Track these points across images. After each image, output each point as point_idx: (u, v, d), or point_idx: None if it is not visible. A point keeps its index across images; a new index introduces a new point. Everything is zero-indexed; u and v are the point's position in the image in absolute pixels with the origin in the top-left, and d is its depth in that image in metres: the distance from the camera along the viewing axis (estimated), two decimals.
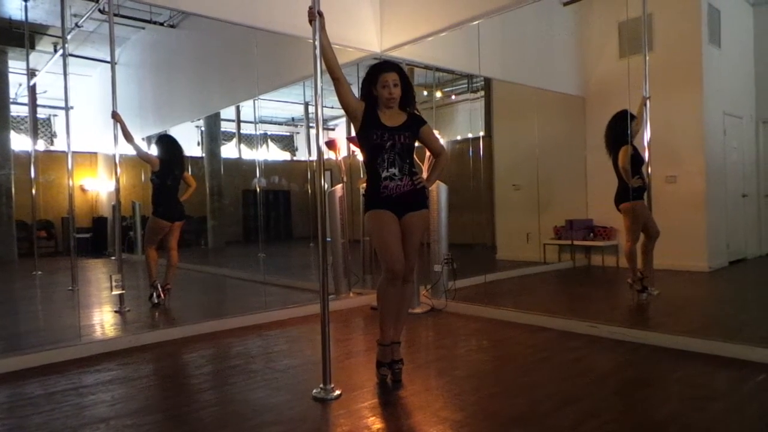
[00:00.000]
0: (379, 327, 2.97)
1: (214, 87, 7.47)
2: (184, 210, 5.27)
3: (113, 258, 6.06)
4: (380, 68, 2.94)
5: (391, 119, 2.93)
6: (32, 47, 7.02)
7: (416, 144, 3.03)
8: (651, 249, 4.74)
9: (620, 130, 4.71)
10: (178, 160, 5.23)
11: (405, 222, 2.93)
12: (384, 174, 2.87)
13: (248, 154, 10.93)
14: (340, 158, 5.43)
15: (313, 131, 2.96)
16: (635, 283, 4.74)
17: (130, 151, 4.98)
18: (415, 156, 3.04)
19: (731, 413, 2.45)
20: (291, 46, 5.26)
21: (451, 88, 9.30)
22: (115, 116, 4.46)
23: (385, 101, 2.90)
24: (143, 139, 7.24)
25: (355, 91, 3.03)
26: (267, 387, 2.92)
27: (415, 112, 3.03)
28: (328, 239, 5.23)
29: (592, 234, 6.40)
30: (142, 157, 5.14)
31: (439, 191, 4.90)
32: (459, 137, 9.36)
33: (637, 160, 4.70)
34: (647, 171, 4.83)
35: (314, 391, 2.75)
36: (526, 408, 2.54)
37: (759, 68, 6.59)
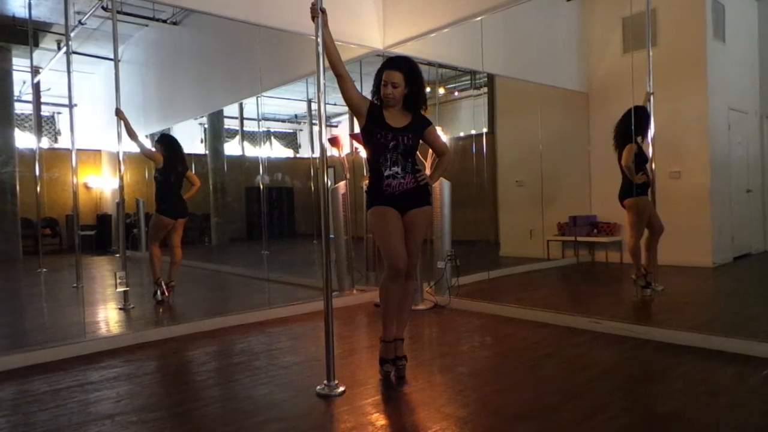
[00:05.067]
0: (381, 324, 2.98)
1: (217, 84, 7.47)
2: (187, 207, 5.29)
3: (117, 255, 6.08)
4: (385, 65, 2.91)
5: (396, 119, 2.90)
6: (36, 45, 7.03)
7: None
8: (655, 244, 4.73)
9: (629, 127, 4.67)
10: (180, 157, 5.26)
11: (408, 218, 2.92)
12: (387, 173, 2.86)
13: (251, 151, 10.93)
14: (343, 155, 5.43)
15: (316, 128, 2.96)
16: (639, 279, 4.73)
17: (134, 148, 4.99)
18: (417, 153, 3.04)
19: (735, 408, 2.45)
20: (294, 43, 5.26)
21: (454, 85, 9.29)
22: (119, 113, 4.47)
23: (383, 99, 2.89)
24: (147, 136, 7.25)
25: (360, 87, 3.01)
26: (271, 384, 2.93)
27: (422, 112, 2.98)
28: (332, 236, 5.23)
29: (595, 230, 6.39)
30: (146, 154, 5.16)
31: (443, 188, 4.90)
32: (462, 134, 9.36)
33: (641, 157, 4.69)
34: (651, 167, 4.82)
35: (318, 387, 2.76)
36: (529, 404, 2.54)
37: (763, 63, 6.55)
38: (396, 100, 2.88)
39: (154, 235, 5.19)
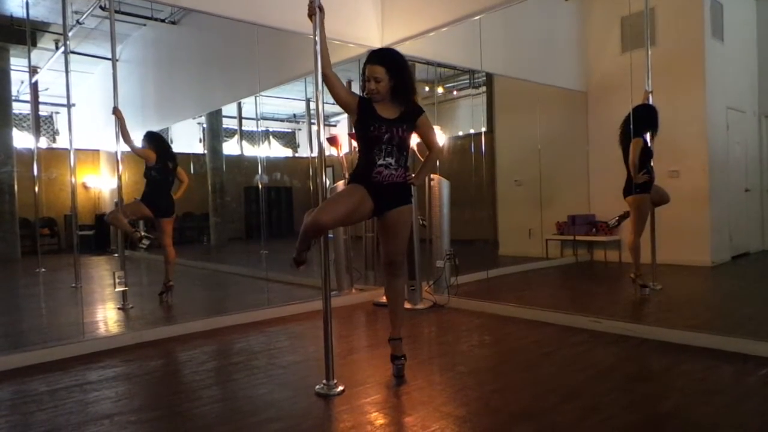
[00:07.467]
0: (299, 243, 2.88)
1: (216, 83, 7.47)
2: (174, 207, 5.27)
3: (116, 255, 6.07)
4: (367, 59, 2.87)
5: (388, 111, 2.85)
6: (34, 45, 7.02)
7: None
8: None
9: (637, 124, 4.65)
10: (170, 153, 5.26)
11: (392, 216, 2.88)
12: (380, 162, 2.81)
13: (250, 150, 10.92)
14: (341, 154, 5.41)
15: (314, 128, 2.95)
16: (638, 278, 4.73)
17: None
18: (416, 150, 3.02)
19: (734, 407, 2.45)
20: (292, 42, 5.25)
21: (452, 84, 9.29)
22: (116, 112, 4.47)
23: (368, 95, 2.85)
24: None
25: (358, 87, 2.99)
26: (270, 383, 2.92)
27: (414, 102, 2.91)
28: (330, 236, 5.22)
29: (594, 229, 6.39)
30: (139, 153, 5.11)
31: (441, 187, 4.89)
32: (461, 133, 9.36)
33: (647, 153, 4.68)
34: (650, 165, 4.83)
35: (317, 387, 2.76)
36: (528, 403, 2.54)
37: (762, 62, 6.55)
38: (381, 94, 2.83)
39: (127, 208, 4.98)
